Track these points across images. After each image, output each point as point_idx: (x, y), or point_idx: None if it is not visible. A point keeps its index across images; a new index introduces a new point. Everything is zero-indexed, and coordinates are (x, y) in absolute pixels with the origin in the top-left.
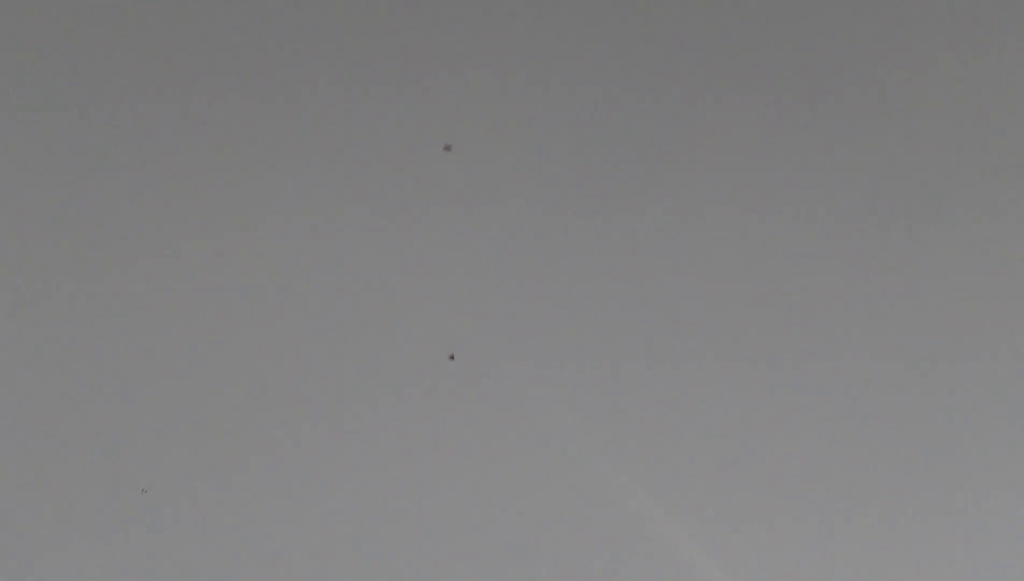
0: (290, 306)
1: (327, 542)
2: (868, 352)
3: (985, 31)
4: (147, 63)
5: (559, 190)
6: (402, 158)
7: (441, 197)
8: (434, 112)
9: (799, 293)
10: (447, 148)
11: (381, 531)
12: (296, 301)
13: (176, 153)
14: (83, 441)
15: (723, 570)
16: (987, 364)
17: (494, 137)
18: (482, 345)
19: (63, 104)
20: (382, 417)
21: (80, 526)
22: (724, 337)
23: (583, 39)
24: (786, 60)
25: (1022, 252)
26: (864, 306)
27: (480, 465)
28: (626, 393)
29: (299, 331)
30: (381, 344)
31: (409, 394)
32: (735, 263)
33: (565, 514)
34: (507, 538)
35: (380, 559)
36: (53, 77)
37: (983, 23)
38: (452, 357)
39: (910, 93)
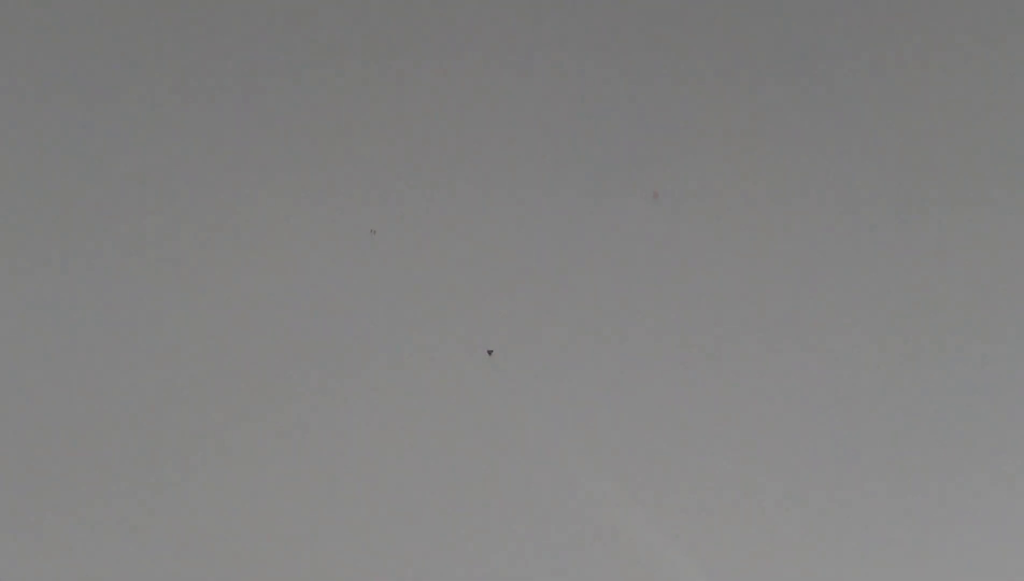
0: (319, 307)
1: (350, 539)
2: (865, 353)
3: (988, 29)
4: (146, 63)
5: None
6: (420, 158)
7: (460, 199)
8: (439, 114)
9: (798, 293)
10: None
11: (410, 530)
12: (324, 302)
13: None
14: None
15: None
16: (985, 369)
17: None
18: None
19: (63, 104)
20: (417, 410)
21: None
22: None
23: (582, 46)
24: (788, 60)
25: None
26: (860, 308)
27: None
28: (662, 394)
29: (328, 330)
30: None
31: (445, 389)
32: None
33: (588, 533)
34: (540, 538)
35: (414, 558)
36: (53, 77)
37: (986, 21)
38: (491, 352)
39: (912, 91)
